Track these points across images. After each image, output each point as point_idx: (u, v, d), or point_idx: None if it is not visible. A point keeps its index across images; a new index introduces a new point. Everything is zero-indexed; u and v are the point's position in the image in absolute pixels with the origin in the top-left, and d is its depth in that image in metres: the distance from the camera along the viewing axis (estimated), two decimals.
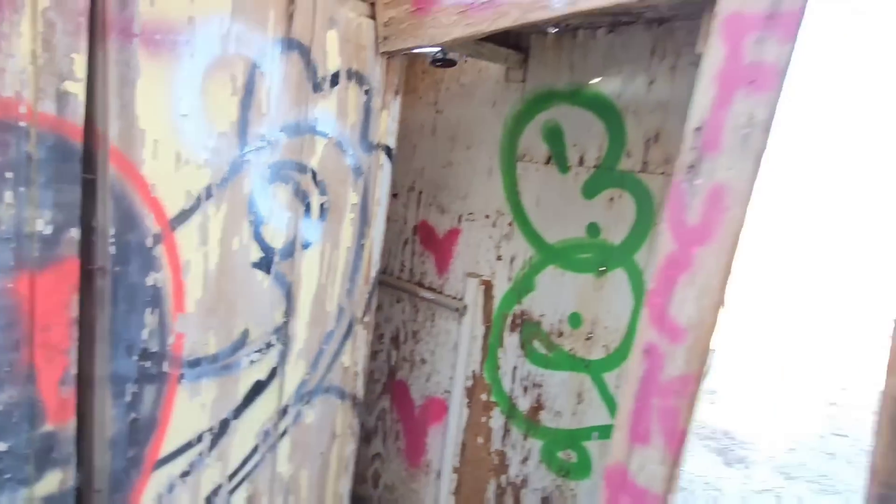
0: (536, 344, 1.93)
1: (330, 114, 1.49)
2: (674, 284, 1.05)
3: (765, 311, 7.51)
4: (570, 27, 1.82)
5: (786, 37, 0.90)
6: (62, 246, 1.09)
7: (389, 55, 1.57)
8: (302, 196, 1.48)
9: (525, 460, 1.97)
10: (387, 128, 1.63)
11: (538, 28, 1.84)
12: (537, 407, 1.93)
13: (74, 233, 1.11)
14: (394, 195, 2.32)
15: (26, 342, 1.07)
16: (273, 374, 1.50)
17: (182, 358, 1.30)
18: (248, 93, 1.31)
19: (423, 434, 2.25)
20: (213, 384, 1.36)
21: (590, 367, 1.81)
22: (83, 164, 1.11)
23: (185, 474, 1.36)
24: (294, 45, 1.37)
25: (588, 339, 1.82)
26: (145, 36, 1.14)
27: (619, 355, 1.74)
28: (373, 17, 1.52)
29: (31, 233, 1.05)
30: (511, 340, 1.99)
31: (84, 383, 1.18)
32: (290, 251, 1.47)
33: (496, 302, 2.03)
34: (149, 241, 1.21)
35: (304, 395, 1.60)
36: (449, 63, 1.92)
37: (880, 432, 0.84)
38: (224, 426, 1.41)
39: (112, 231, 1.15)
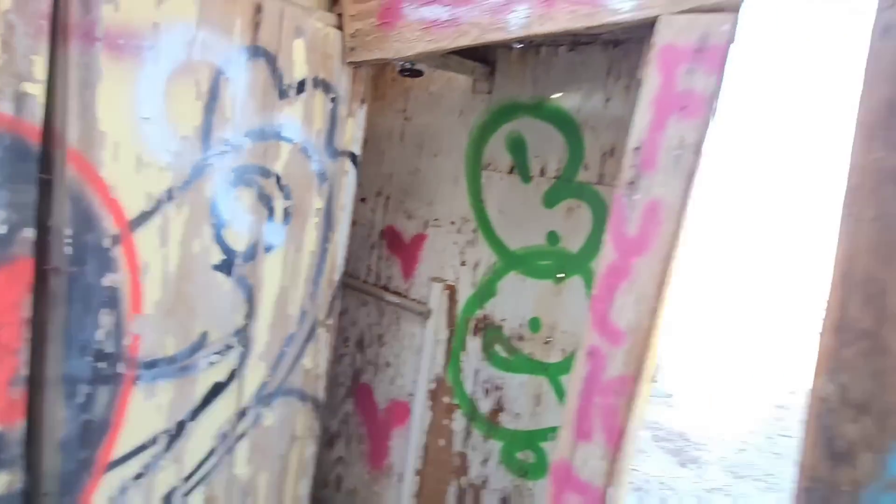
0: (498, 348, 1.99)
1: (296, 120, 1.52)
2: (614, 291, 1.12)
3: (718, 318, 7.83)
4: (534, 44, 1.89)
5: (712, 69, 0.98)
6: (16, 245, 1.09)
7: (356, 65, 1.61)
8: (266, 200, 1.50)
9: (485, 461, 2.02)
10: (352, 135, 1.67)
11: (502, 44, 1.91)
12: (498, 409, 1.99)
13: (29, 233, 1.11)
14: (362, 200, 2.35)
15: None
16: (232, 375, 1.51)
17: (138, 359, 1.30)
18: (213, 98, 1.33)
19: (386, 437, 2.28)
20: (169, 385, 1.37)
21: (548, 370, 1.87)
22: (41, 165, 1.11)
23: (138, 476, 1.35)
24: (260, 53, 1.40)
25: (547, 342, 1.89)
26: (108, 40, 1.15)
27: (574, 359, 1.82)
28: (340, 27, 1.56)
29: None
30: (473, 344, 2.04)
31: (36, 384, 1.17)
32: (252, 254, 1.49)
33: (460, 306, 2.08)
34: (106, 242, 1.21)
35: (264, 398, 1.61)
36: (416, 73, 1.97)
37: (807, 430, 0.90)
38: (180, 428, 1.42)
39: (68, 231, 1.16)
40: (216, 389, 1.48)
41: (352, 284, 2.34)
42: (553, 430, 1.87)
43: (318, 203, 1.63)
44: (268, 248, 1.53)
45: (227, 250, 1.43)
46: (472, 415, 2.04)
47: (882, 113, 0.83)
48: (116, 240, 1.23)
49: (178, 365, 1.38)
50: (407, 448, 2.18)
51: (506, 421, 1.96)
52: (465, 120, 2.06)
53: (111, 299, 1.23)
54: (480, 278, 2.03)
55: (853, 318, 0.85)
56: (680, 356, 5.90)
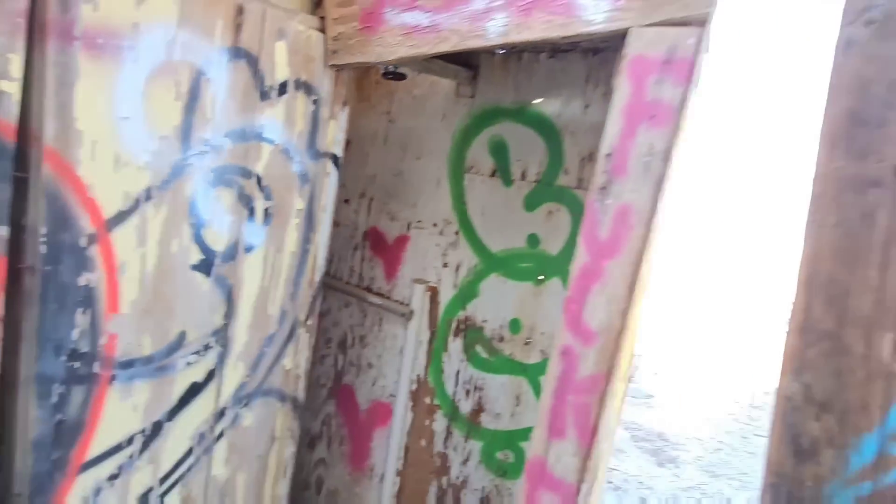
0: (479, 348, 2.01)
1: (277, 121, 1.52)
2: (587, 293, 1.15)
3: (697, 321, 7.99)
4: (516, 50, 1.93)
5: (680, 80, 1.01)
6: None
7: (338, 68, 1.62)
8: (246, 200, 1.50)
9: (466, 461, 2.04)
10: (334, 137, 1.68)
11: (482, 51, 1.94)
12: (478, 409, 2.01)
13: (3, 231, 1.10)
14: (345, 201, 2.36)
15: None
16: (210, 376, 1.51)
17: (114, 359, 1.29)
18: (193, 98, 1.34)
19: (367, 438, 2.29)
20: (146, 386, 1.36)
21: (527, 370, 1.90)
22: (16, 163, 1.11)
23: (113, 477, 1.35)
24: (242, 54, 1.41)
25: (527, 343, 1.91)
26: (87, 39, 1.15)
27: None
28: (322, 30, 1.57)
29: None
30: (455, 345, 2.06)
31: (9, 384, 1.16)
32: (232, 254, 1.49)
33: (442, 308, 2.10)
34: (83, 241, 1.21)
35: (243, 398, 1.61)
36: (399, 76, 1.99)
37: (774, 428, 0.93)
38: (157, 428, 1.41)
39: (43, 230, 1.15)
40: (194, 390, 1.48)
41: (334, 285, 2.34)
42: (532, 429, 1.89)
43: (299, 204, 1.63)
44: (248, 249, 1.53)
45: (206, 250, 1.43)
46: (453, 415, 2.06)
47: (843, 124, 0.87)
48: (93, 239, 1.22)
49: (155, 365, 1.38)
50: (388, 449, 2.19)
51: (486, 421, 1.98)
52: (448, 123, 2.08)
53: (87, 298, 1.23)
54: (462, 280, 2.05)
55: (816, 319, 0.89)
56: (660, 358, 6.00)
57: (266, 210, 1.55)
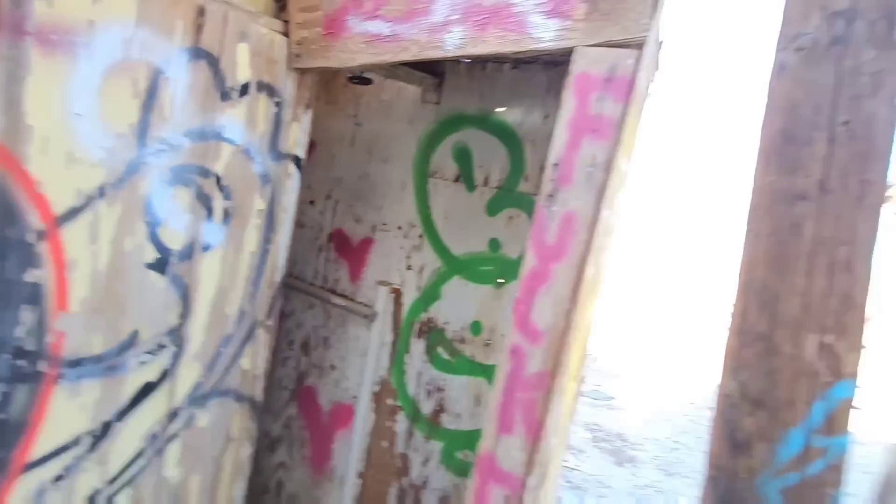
0: (440, 350, 2.04)
1: (238, 122, 1.53)
2: (534, 294, 1.20)
3: (656, 326, 8.26)
4: (481, 59, 1.98)
5: (619, 97, 1.08)
6: None
7: (302, 71, 1.64)
8: (205, 200, 1.50)
9: (426, 462, 2.06)
10: (297, 139, 1.70)
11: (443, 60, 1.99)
12: (439, 410, 2.04)
13: None
14: (310, 202, 2.36)
15: None
16: (164, 375, 1.49)
17: (62, 357, 1.27)
18: (151, 97, 1.33)
19: (329, 440, 2.28)
20: (95, 385, 1.34)
21: (487, 371, 1.94)
22: None
23: (58, 478, 1.32)
24: (202, 55, 1.41)
25: (487, 345, 1.96)
26: (40, 35, 1.14)
27: None
28: (286, 34, 1.59)
29: None
30: (417, 347, 2.09)
31: None
32: (188, 253, 1.49)
33: (405, 310, 2.12)
34: (30, 238, 1.19)
35: (199, 398, 1.60)
36: (365, 81, 2.02)
37: (714, 424, 0.99)
38: (106, 428, 1.39)
39: None
40: (146, 389, 1.46)
41: (298, 287, 2.34)
42: None
43: (259, 204, 1.64)
44: (206, 248, 1.53)
45: (161, 249, 1.43)
46: (415, 416, 2.08)
47: (777, 141, 0.95)
48: (42, 235, 1.21)
49: (105, 364, 1.36)
50: (350, 451, 2.19)
51: (447, 421, 2.01)
52: (414, 128, 2.12)
53: (33, 296, 1.21)
54: (425, 282, 2.08)
55: (751, 322, 0.96)
56: (621, 362, 6.17)
57: (225, 210, 1.55)
